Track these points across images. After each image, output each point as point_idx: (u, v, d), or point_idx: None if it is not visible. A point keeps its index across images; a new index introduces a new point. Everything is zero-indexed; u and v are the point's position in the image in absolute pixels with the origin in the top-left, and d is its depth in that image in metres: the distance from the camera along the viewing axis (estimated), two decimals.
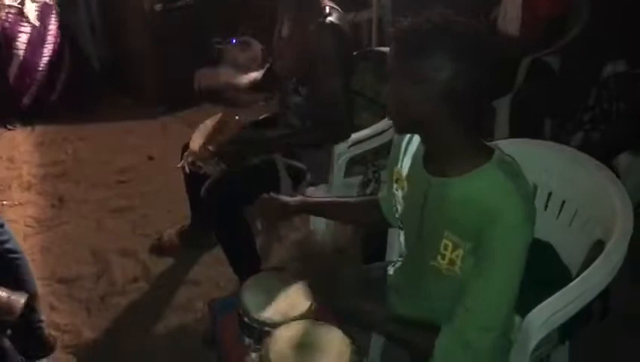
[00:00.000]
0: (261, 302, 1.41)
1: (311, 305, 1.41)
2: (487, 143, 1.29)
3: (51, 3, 3.57)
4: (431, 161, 1.31)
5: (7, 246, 1.88)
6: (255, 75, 2.41)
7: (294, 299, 1.43)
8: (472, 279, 1.23)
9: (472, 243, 1.23)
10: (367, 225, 2.03)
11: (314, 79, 2.03)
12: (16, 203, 2.97)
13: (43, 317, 2.08)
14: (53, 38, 3.61)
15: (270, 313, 1.39)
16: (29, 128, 3.63)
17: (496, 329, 1.24)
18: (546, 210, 1.66)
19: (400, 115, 1.25)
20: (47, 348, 2.06)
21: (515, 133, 2.68)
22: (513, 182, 1.21)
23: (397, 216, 1.47)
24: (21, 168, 3.26)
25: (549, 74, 2.77)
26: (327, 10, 2.00)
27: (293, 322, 1.36)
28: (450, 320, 1.25)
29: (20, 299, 1.65)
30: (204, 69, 2.39)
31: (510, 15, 2.83)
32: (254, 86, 2.40)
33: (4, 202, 2.97)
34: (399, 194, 1.42)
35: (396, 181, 1.43)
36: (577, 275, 1.46)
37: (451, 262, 1.28)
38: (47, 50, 3.60)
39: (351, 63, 2.10)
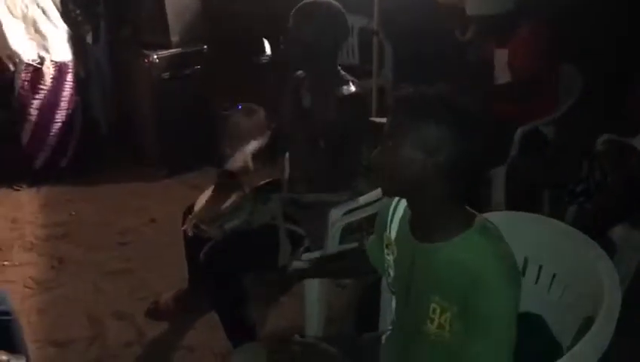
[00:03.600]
0: None
1: None
2: (471, 210, 1.33)
3: (68, 62, 3.63)
4: (417, 226, 1.36)
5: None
6: (257, 143, 2.44)
7: None
8: (464, 346, 1.24)
9: (459, 306, 1.25)
10: (360, 276, 2.11)
11: (334, 145, 2.08)
12: (16, 263, 3.00)
13: None
14: (67, 104, 3.68)
15: None
16: (34, 189, 3.68)
17: None
18: (536, 283, 1.66)
19: (394, 177, 1.30)
20: None
21: (511, 203, 2.71)
22: (494, 246, 1.26)
23: (389, 280, 1.49)
24: (24, 229, 3.30)
25: (544, 144, 2.82)
26: (350, 82, 2.08)
27: None
28: None
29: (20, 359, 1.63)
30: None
31: (502, 74, 2.94)
32: (258, 155, 2.43)
33: (5, 262, 2.99)
34: (390, 258, 1.45)
35: (387, 246, 1.46)
36: (569, 350, 1.45)
37: (440, 327, 1.29)
38: (60, 115, 3.67)
39: (364, 134, 2.15)
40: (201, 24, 3.83)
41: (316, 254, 2.11)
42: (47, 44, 3.50)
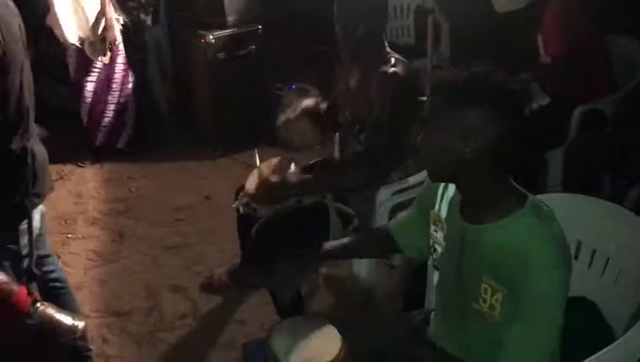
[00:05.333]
0: (290, 347, 1.43)
1: (339, 353, 1.41)
2: (523, 190, 1.30)
3: (117, 44, 3.68)
4: (467, 208, 1.35)
5: (53, 275, 1.96)
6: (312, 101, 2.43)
7: (323, 346, 1.44)
8: (511, 325, 1.23)
9: (508, 288, 1.24)
10: (384, 256, 2.15)
11: (369, 126, 2.08)
12: (80, 236, 3.14)
13: (92, 347, 2.16)
14: (119, 85, 3.76)
15: (297, 359, 1.40)
16: (97, 166, 3.84)
17: None
18: (590, 267, 1.62)
19: (439, 162, 1.29)
20: None
21: (569, 185, 2.62)
22: (545, 226, 1.24)
23: (435, 256, 1.48)
24: (87, 203, 3.45)
25: (603, 124, 2.70)
26: (393, 61, 2.06)
27: None
28: None
29: (81, 322, 1.68)
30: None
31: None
32: (314, 117, 2.42)
33: (70, 235, 3.14)
34: (439, 235, 1.44)
35: (434, 223, 1.45)
36: (622, 334, 1.42)
37: (491, 307, 1.29)
38: (113, 97, 3.76)
39: (410, 114, 2.13)
40: (257, 5, 3.86)
41: None
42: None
